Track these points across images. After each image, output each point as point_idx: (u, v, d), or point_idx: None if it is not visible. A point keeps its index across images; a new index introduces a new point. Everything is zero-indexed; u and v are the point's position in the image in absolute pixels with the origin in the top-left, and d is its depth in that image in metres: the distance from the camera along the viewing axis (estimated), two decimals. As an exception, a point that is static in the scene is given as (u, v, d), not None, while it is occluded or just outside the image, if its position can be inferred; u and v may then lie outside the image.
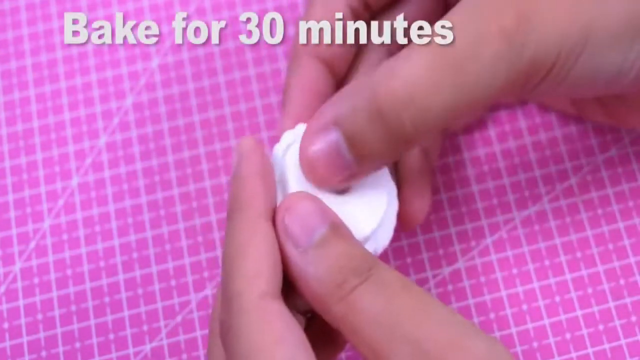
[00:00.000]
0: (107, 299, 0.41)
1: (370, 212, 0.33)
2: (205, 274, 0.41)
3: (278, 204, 0.32)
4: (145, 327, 0.41)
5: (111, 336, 0.41)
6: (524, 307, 0.40)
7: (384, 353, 0.28)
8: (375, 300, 0.29)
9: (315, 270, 0.29)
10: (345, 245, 0.30)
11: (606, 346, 0.39)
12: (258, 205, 0.30)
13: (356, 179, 0.32)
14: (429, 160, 0.37)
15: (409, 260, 0.41)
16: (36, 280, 0.42)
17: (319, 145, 0.31)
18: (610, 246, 0.41)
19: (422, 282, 0.41)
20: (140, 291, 0.42)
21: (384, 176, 0.33)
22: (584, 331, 0.39)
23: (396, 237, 0.41)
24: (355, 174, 0.32)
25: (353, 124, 0.31)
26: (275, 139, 0.36)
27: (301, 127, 0.33)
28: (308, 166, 0.32)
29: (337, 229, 0.30)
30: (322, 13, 0.35)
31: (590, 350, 0.39)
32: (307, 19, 0.36)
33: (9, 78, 0.46)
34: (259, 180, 0.31)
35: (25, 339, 0.41)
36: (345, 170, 0.31)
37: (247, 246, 0.29)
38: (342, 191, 0.33)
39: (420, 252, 0.41)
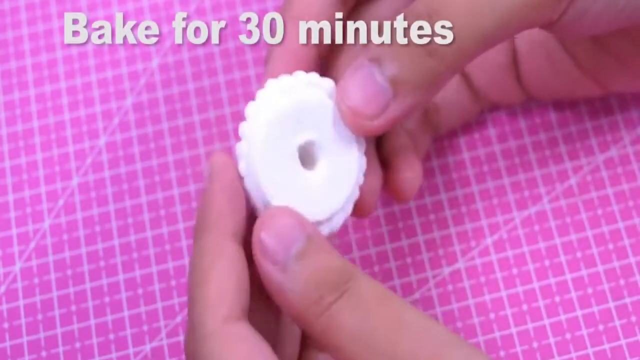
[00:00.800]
0: (107, 299, 0.41)
1: (334, 191, 0.32)
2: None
3: (241, 170, 0.31)
4: (145, 327, 0.41)
5: (111, 336, 0.41)
6: (524, 307, 0.40)
7: None
8: (353, 315, 0.28)
9: (293, 286, 0.29)
10: (322, 259, 0.29)
11: (606, 346, 0.39)
12: (224, 225, 0.30)
13: (393, 117, 0.31)
14: (417, 148, 0.37)
15: (409, 260, 0.41)
16: (36, 280, 0.42)
17: (352, 78, 0.31)
18: (610, 246, 0.41)
19: (422, 282, 0.41)
20: (140, 291, 0.42)
21: (354, 154, 0.33)
22: (584, 331, 0.39)
23: (396, 237, 0.41)
24: (392, 108, 0.31)
25: (381, 50, 0.31)
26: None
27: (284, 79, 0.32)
28: (342, 100, 0.31)
29: (314, 241, 0.30)
30: None
31: (590, 350, 0.39)
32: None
33: (9, 78, 0.46)
34: (227, 200, 0.30)
35: (25, 339, 0.41)
36: (380, 97, 0.31)
37: (211, 269, 0.29)
38: (309, 166, 0.32)
39: (420, 252, 0.41)
